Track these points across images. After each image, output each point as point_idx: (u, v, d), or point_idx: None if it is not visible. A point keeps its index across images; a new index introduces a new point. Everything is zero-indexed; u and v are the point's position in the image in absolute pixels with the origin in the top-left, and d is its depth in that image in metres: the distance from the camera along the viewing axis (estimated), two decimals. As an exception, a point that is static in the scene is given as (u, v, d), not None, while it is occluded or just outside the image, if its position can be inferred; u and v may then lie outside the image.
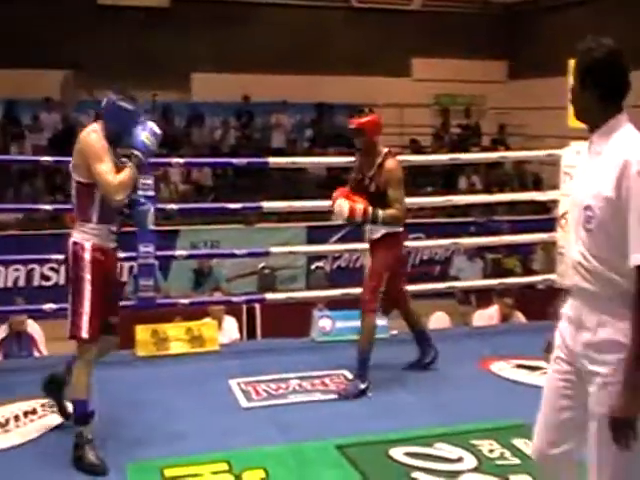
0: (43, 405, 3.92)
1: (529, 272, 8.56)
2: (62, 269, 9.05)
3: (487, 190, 10.96)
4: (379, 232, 4.26)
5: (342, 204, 4.16)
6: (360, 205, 4.11)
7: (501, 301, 6.01)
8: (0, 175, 10.88)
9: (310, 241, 9.63)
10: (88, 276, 3.27)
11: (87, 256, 3.29)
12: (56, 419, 3.77)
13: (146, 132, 3.32)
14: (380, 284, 4.23)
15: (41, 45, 12.08)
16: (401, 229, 4.32)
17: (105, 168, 3.21)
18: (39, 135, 11.83)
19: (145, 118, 3.42)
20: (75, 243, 3.31)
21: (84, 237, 3.31)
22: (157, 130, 3.36)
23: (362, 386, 4.11)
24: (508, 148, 12.20)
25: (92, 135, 3.27)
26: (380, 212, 4.11)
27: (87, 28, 12.64)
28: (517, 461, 3.38)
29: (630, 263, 2.03)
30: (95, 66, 11.92)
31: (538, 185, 11.11)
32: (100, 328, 3.31)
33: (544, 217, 8.67)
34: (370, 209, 4.10)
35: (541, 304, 7.05)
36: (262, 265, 8.66)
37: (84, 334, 3.24)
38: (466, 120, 14.27)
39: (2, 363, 5.46)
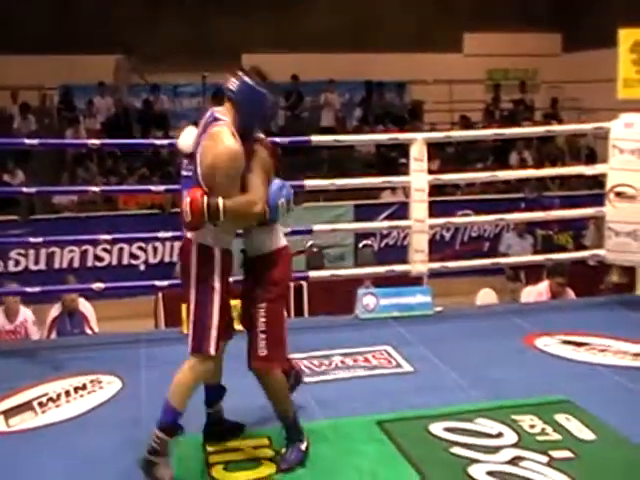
0: (92, 381, 4.04)
1: (581, 248, 8.40)
2: (115, 250, 9.31)
3: (539, 165, 10.75)
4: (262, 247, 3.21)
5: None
6: (188, 198, 2.92)
7: (552, 279, 5.92)
8: (56, 159, 11.14)
9: (358, 219, 9.62)
10: (217, 285, 3.00)
11: (217, 261, 3.00)
12: (105, 395, 3.89)
13: (283, 199, 3.08)
14: (283, 325, 3.22)
15: (94, 30, 12.28)
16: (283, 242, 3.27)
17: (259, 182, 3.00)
18: (93, 119, 12.04)
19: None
20: (203, 246, 3.00)
21: (211, 240, 3.00)
22: (291, 195, 3.14)
23: (303, 446, 3.23)
24: (561, 122, 11.92)
25: (236, 147, 2.90)
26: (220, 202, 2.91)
27: (139, 11, 12.80)
28: (558, 437, 3.36)
29: None
30: (147, 49, 12.06)
31: (592, 159, 10.84)
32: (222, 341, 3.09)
33: (596, 192, 8.48)
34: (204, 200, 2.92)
35: (591, 280, 6.97)
36: (310, 244, 8.69)
37: (211, 350, 3.00)
38: (518, 95, 14.00)
39: (55, 340, 5.64)
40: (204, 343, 2.98)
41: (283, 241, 3.25)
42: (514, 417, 3.52)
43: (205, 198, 2.88)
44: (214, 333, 2.97)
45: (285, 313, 3.32)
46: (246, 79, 2.98)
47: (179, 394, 2.98)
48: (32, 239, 5.13)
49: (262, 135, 3.17)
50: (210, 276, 2.97)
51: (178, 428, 3.02)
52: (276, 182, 3.11)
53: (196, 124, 3.16)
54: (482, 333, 4.83)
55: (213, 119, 2.98)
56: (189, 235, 3.03)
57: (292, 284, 7.17)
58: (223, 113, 3.00)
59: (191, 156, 3.13)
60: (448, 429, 3.44)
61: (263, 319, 3.09)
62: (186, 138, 3.35)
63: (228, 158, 2.88)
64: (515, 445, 3.28)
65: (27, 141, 5.40)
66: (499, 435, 3.38)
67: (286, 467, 3.14)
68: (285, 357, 3.28)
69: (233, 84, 3.00)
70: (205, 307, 2.97)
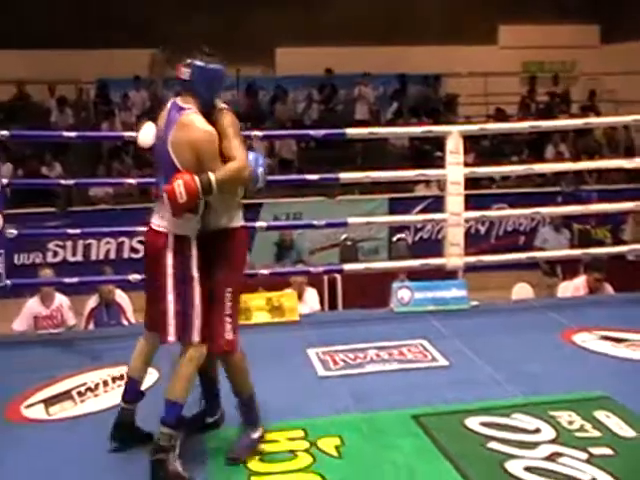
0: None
1: (619, 243, 8.28)
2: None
3: (576, 159, 10.60)
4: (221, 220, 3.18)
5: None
6: (179, 180, 2.93)
7: (590, 274, 5.85)
8: (92, 152, 11.27)
9: (392, 212, 9.58)
10: (196, 274, 3.04)
11: (192, 252, 3.06)
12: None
13: (261, 168, 3.16)
14: (237, 304, 3.20)
15: (130, 24, 12.39)
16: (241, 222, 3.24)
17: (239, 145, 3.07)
18: (128, 113, 12.15)
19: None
20: (176, 236, 3.03)
21: (185, 229, 3.04)
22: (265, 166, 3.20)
23: (255, 435, 3.21)
24: (599, 115, 11.75)
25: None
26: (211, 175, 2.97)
27: (173, 5, 12.88)
28: (598, 434, 3.31)
29: None
30: (181, 43, 12.12)
31: (631, 152, 10.66)
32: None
33: (635, 185, 8.35)
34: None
35: (630, 275, 6.87)
36: (344, 237, 8.69)
37: (195, 338, 3.03)
38: (554, 87, 13.82)
39: (93, 331, 5.72)
40: (189, 333, 3.02)
41: (242, 221, 3.25)
42: (552, 413, 3.48)
43: (195, 177, 2.93)
44: (197, 321, 3.02)
45: None
46: (196, 62, 3.06)
47: (182, 388, 3.03)
48: (70, 230, 5.19)
49: (223, 104, 3.19)
50: (188, 266, 3.02)
51: (182, 420, 3.07)
52: (250, 152, 3.17)
53: (154, 119, 3.24)
54: (518, 328, 4.78)
55: (179, 109, 3.04)
56: (160, 228, 3.03)
57: (326, 277, 7.21)
58: (186, 101, 3.06)
59: (151, 150, 3.23)
60: (484, 424, 3.41)
61: (229, 303, 3.10)
62: (145, 133, 3.38)
63: (208, 140, 2.97)
64: (553, 441, 3.25)
65: (65, 134, 5.47)
66: (537, 431, 3.34)
67: (232, 457, 3.12)
68: None
69: (185, 73, 3.06)
70: (186, 297, 3.01)
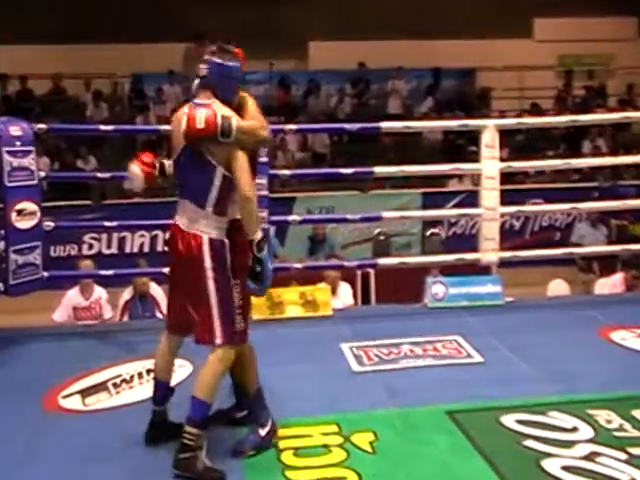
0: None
1: (657, 239, 8.12)
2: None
3: (613, 153, 10.43)
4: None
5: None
6: (203, 109, 3.01)
7: (627, 271, 5.75)
8: (127, 146, 11.35)
9: (425, 207, 9.52)
10: (232, 280, 3.04)
11: (227, 255, 3.04)
12: (176, 378, 3.94)
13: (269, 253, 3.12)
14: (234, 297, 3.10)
15: (164, 19, 12.46)
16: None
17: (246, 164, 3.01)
18: (162, 107, 12.22)
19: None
20: (213, 240, 3.03)
21: (217, 231, 3.05)
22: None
23: (263, 432, 3.20)
24: (636, 109, 11.54)
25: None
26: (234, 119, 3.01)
27: (207, 0, 12.91)
28: (637, 433, 3.25)
29: None
30: (214, 37, 12.15)
31: (670, 147, 10.45)
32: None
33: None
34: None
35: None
36: (377, 232, 8.65)
37: (234, 339, 3.05)
38: (591, 81, 13.62)
39: (128, 323, 5.77)
40: (234, 335, 3.03)
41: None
42: (589, 411, 3.43)
43: (219, 113, 2.95)
44: (237, 324, 3.04)
45: None
46: (214, 59, 3.04)
47: (210, 387, 3.02)
48: (107, 223, 5.23)
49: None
50: (223, 270, 3.01)
51: (208, 420, 3.06)
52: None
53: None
54: (555, 325, 4.72)
55: (196, 106, 3.03)
56: (193, 231, 3.03)
57: (359, 272, 7.19)
58: (206, 97, 3.04)
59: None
60: (520, 421, 3.37)
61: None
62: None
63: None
64: (591, 440, 3.20)
65: (102, 127, 5.51)
66: (574, 429, 3.30)
67: (235, 450, 3.13)
68: None
69: (204, 70, 3.04)
70: (229, 302, 3.02)
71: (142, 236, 9.42)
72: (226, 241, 3.03)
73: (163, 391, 3.28)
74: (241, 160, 2.98)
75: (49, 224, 4.74)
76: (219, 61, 3.04)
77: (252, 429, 3.21)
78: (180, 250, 3.07)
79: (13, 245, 4.51)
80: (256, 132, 3.05)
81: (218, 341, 3.02)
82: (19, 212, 4.53)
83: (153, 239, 9.48)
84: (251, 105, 3.14)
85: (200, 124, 2.94)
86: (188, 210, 3.06)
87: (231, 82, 3.08)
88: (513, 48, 13.47)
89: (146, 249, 9.46)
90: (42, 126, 4.89)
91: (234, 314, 3.03)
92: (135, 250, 9.40)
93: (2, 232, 4.50)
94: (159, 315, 5.97)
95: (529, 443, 3.20)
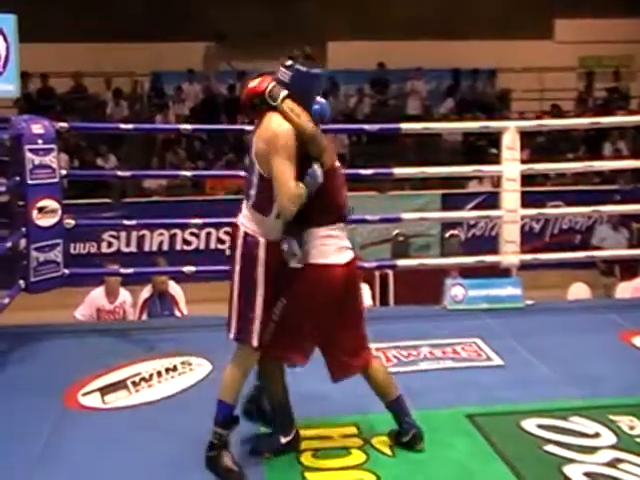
0: (183, 363, 4.11)
1: (679, 243, 8.05)
2: (203, 234, 9.48)
3: (635, 156, 10.34)
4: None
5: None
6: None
7: (649, 274, 5.70)
8: (146, 144, 11.41)
9: (445, 208, 9.49)
10: (261, 277, 2.96)
11: (261, 253, 2.95)
12: (195, 377, 3.95)
13: (313, 172, 2.90)
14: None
15: (184, 18, 12.50)
16: None
17: (288, 171, 2.85)
18: (181, 105, 12.26)
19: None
20: (250, 236, 2.97)
21: (260, 230, 2.97)
22: (319, 174, 2.92)
23: (283, 440, 3.18)
24: (659, 111, 11.44)
25: (289, 128, 2.88)
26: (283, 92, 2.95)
27: (227, 0, 12.94)
28: (660, 440, 3.22)
29: None
30: (233, 37, 12.19)
31: (692, 151, 10.34)
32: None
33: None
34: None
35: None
36: (396, 232, 8.63)
37: (254, 342, 2.97)
38: (613, 83, 13.50)
39: (147, 321, 5.78)
40: (248, 335, 2.98)
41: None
42: (612, 417, 3.40)
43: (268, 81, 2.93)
44: (257, 325, 2.96)
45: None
46: (297, 67, 2.92)
47: (231, 390, 3.03)
48: (127, 222, 5.25)
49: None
50: (253, 268, 2.94)
51: (234, 419, 3.07)
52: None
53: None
54: (576, 328, 4.68)
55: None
56: (239, 224, 3.01)
57: (378, 273, 7.17)
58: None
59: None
60: (541, 426, 3.35)
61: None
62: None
63: (279, 135, 2.87)
64: (614, 447, 3.17)
65: (123, 126, 5.53)
66: (596, 435, 3.27)
67: (258, 451, 3.16)
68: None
69: (285, 75, 2.95)
70: (248, 299, 2.96)
71: (161, 234, 9.44)
72: (261, 241, 2.94)
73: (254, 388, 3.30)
74: (280, 168, 2.84)
75: (70, 222, 4.76)
76: (303, 69, 2.92)
77: (274, 434, 3.20)
78: (230, 240, 3.10)
79: (34, 242, 4.54)
80: (305, 129, 2.91)
81: (231, 335, 3.02)
82: (40, 210, 4.56)
83: (172, 237, 9.50)
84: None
85: (253, 83, 2.94)
86: (243, 203, 3.07)
87: (312, 89, 3.00)
88: (533, 49, 13.39)
89: (165, 247, 9.49)
90: (64, 124, 4.92)
91: (252, 316, 2.96)
92: (154, 248, 9.43)
93: (23, 230, 4.53)
94: (178, 314, 5.99)
95: (550, 448, 3.17)
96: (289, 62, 2.94)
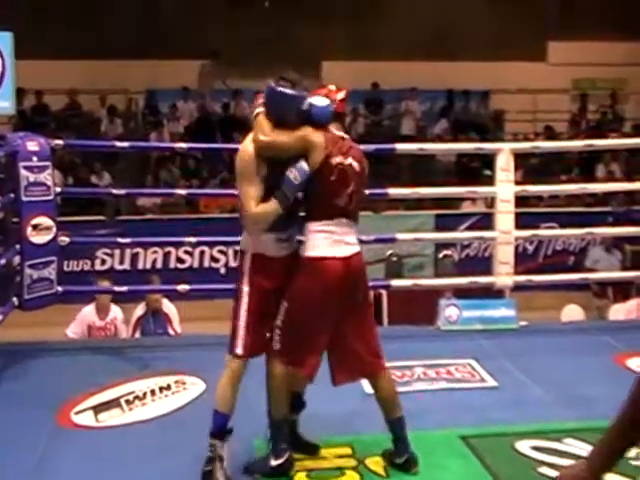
0: (177, 382, 4.10)
1: (672, 265, 8.07)
2: (196, 252, 9.47)
3: (627, 179, 10.41)
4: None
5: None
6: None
7: (642, 297, 5.72)
8: (140, 161, 11.42)
9: (438, 229, 9.51)
10: (246, 288, 3.08)
11: (246, 266, 3.10)
12: (189, 396, 3.94)
13: (295, 170, 3.01)
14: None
15: (179, 36, 12.57)
16: None
17: (249, 192, 3.00)
18: (176, 123, 12.29)
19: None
20: (241, 251, 3.16)
21: (247, 244, 3.13)
22: (306, 168, 3.02)
23: (273, 463, 3.13)
24: (652, 134, 11.53)
25: (249, 149, 3.03)
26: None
27: (222, 19, 13.03)
28: (654, 462, 3.21)
29: None
30: (228, 55, 12.25)
31: (684, 173, 10.41)
32: (261, 346, 3.11)
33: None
34: None
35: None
36: (389, 252, 8.63)
37: (238, 350, 3.05)
38: (606, 105, 13.62)
39: (140, 339, 5.75)
40: (233, 344, 3.06)
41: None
42: (606, 439, 3.39)
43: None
44: (241, 334, 3.04)
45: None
46: (271, 85, 3.07)
47: (221, 397, 3.08)
48: (121, 240, 5.24)
49: (335, 132, 3.16)
50: (241, 279, 3.09)
51: (227, 431, 3.07)
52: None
53: None
54: (569, 350, 4.69)
55: None
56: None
57: (372, 292, 7.16)
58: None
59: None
60: (536, 448, 3.34)
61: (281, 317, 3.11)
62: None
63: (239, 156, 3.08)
64: (608, 469, 3.16)
65: (118, 144, 5.54)
66: (590, 457, 3.25)
67: (250, 470, 3.14)
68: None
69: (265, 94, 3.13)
70: (236, 309, 3.08)
71: (155, 252, 9.43)
72: (247, 253, 3.10)
73: (296, 400, 3.31)
74: (241, 189, 3.03)
75: (64, 239, 4.76)
76: (273, 86, 3.05)
77: (267, 454, 3.17)
78: None
79: (28, 260, 4.53)
80: (257, 140, 3.03)
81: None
82: (35, 227, 4.56)
83: (166, 255, 9.48)
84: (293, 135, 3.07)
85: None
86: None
87: (284, 108, 3.06)
88: (527, 71, 13.50)
89: (159, 265, 9.47)
90: (59, 142, 4.92)
91: (237, 324, 3.05)
92: (148, 266, 9.40)
93: (17, 247, 4.52)
94: (171, 332, 5.97)
95: (545, 470, 3.16)
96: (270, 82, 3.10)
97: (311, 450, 3.31)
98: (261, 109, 3.10)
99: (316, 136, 3.07)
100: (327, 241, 3.07)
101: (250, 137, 3.08)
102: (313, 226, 3.09)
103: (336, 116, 3.19)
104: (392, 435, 3.23)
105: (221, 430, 3.05)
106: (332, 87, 3.27)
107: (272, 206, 3.00)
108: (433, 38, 13.30)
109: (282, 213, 3.01)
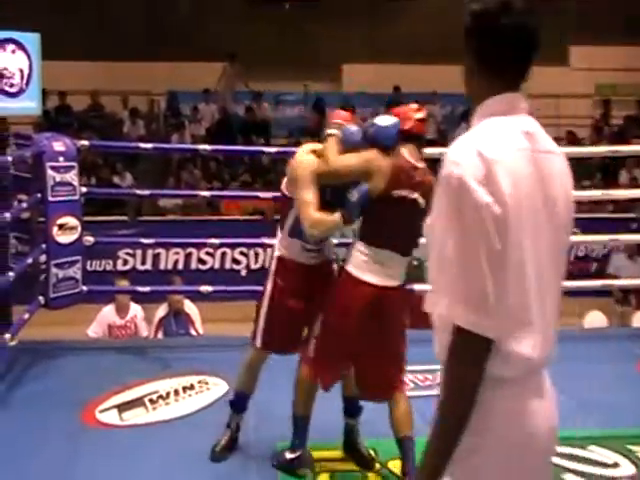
0: (200, 382, 4.13)
1: (695, 273, 8.00)
2: (218, 253, 9.50)
3: (650, 185, 10.33)
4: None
5: None
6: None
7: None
8: (162, 163, 11.48)
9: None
10: (270, 287, 3.25)
11: (272, 267, 3.28)
12: (212, 396, 3.96)
13: (356, 192, 2.93)
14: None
15: (201, 39, 12.63)
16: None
17: (307, 198, 3.00)
18: (198, 125, 12.34)
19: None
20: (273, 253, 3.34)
21: (277, 246, 3.29)
22: (366, 191, 2.94)
23: (288, 455, 3.21)
24: (674, 140, 11.42)
25: (308, 161, 3.07)
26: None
27: (243, 21, 13.08)
28: (679, 471, 3.20)
29: None
30: (251, 58, 12.30)
31: None
32: (280, 344, 3.27)
33: None
34: None
35: None
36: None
37: (257, 342, 3.28)
38: (629, 110, 13.52)
39: (163, 340, 5.79)
40: (254, 336, 3.29)
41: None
42: (630, 447, 3.39)
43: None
44: (261, 329, 3.25)
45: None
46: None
47: (237, 376, 3.40)
48: (144, 240, 5.28)
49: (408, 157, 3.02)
50: (267, 279, 3.28)
51: (241, 406, 3.38)
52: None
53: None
54: (592, 357, 4.65)
55: None
56: None
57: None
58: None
59: None
60: (560, 454, 3.32)
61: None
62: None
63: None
64: (633, 477, 3.15)
65: (142, 145, 5.58)
66: (615, 465, 3.25)
67: (273, 459, 3.28)
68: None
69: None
70: (258, 307, 3.29)
71: (177, 253, 9.45)
72: (275, 254, 3.27)
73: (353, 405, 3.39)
74: (299, 188, 3.04)
75: (89, 239, 4.80)
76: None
77: (284, 450, 3.24)
78: None
79: (54, 259, 4.57)
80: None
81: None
82: (60, 226, 4.60)
83: (187, 256, 9.51)
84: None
85: None
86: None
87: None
88: (549, 76, 13.42)
89: (180, 266, 9.50)
90: (85, 142, 4.97)
91: (259, 320, 3.25)
92: (169, 267, 9.44)
93: (43, 246, 4.56)
94: (193, 332, 6.00)
95: (568, 477, 3.17)
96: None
97: (364, 463, 3.30)
98: (334, 131, 3.06)
99: (380, 161, 2.94)
100: (367, 265, 2.99)
101: (309, 148, 3.13)
102: (360, 246, 3.01)
103: (410, 138, 3.01)
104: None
105: (232, 404, 3.39)
106: (414, 106, 3.13)
107: (334, 219, 2.97)
108: (454, 41, 12.97)
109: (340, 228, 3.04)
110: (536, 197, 1.50)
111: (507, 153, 1.47)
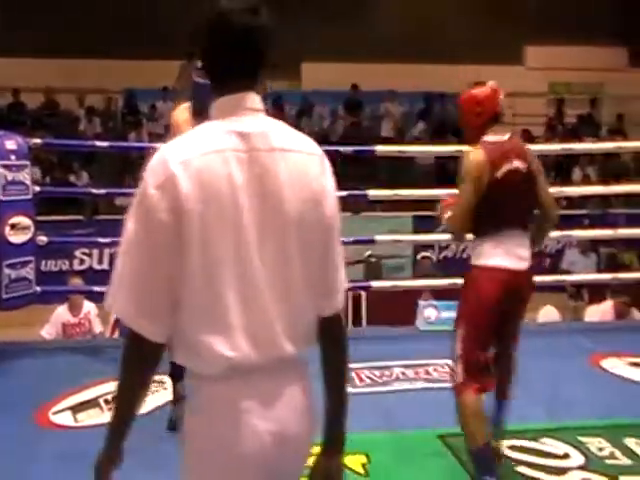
0: (155, 382, 4.09)
1: (646, 268, 8.20)
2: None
3: (603, 182, 10.53)
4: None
5: None
6: None
7: (617, 298, 5.79)
8: (120, 162, 11.35)
9: (417, 230, 9.55)
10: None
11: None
12: (168, 395, 3.93)
13: None
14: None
15: (158, 35, 12.51)
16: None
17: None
18: (156, 123, 12.24)
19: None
20: None
21: None
22: None
23: None
24: (626, 138, 11.67)
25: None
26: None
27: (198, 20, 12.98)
28: (628, 462, 3.28)
29: None
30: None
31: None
32: None
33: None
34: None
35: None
36: (368, 254, 8.65)
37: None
38: (581, 109, 13.77)
39: (118, 339, 5.72)
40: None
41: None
42: (581, 439, 3.45)
43: None
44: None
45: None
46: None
47: None
48: (101, 239, 5.22)
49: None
50: None
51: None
52: None
53: None
54: (545, 351, 4.72)
55: None
56: None
57: (351, 293, 7.19)
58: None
59: None
60: (513, 447, 3.38)
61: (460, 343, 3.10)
62: None
63: None
64: (582, 468, 3.22)
65: (98, 143, 5.53)
66: (565, 456, 3.32)
67: None
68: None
69: None
70: None
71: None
72: None
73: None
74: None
75: (43, 239, 4.73)
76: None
77: None
78: None
79: (6, 259, 4.51)
80: None
81: None
82: (13, 226, 4.53)
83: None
84: None
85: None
86: None
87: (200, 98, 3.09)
88: (505, 74, 13.57)
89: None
90: (37, 141, 4.90)
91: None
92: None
93: (-5, 246, 4.49)
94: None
95: (522, 469, 3.21)
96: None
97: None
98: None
99: (478, 163, 3.00)
100: (493, 250, 2.98)
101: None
102: (480, 240, 3.03)
103: (498, 117, 3.18)
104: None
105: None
106: (492, 84, 3.26)
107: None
108: (412, 40, 13.36)
109: None
110: (240, 196, 1.47)
111: (196, 156, 1.48)
